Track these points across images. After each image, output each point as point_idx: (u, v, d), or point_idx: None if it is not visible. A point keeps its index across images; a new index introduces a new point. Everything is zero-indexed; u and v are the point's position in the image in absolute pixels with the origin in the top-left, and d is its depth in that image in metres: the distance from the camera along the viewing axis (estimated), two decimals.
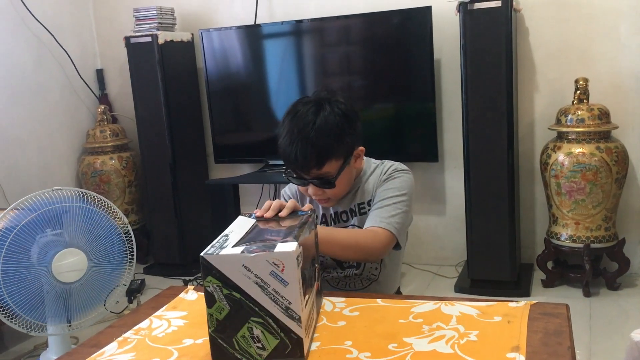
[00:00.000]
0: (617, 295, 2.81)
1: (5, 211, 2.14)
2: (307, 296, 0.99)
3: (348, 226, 1.51)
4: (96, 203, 2.28)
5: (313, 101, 1.41)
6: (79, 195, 2.23)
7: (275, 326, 0.92)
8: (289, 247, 0.92)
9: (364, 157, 1.54)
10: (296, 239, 0.96)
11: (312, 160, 1.36)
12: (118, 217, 2.34)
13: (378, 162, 1.56)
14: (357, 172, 1.52)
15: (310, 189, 1.43)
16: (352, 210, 1.51)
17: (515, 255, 2.89)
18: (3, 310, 2.10)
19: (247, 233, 1.05)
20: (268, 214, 1.18)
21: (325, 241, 1.28)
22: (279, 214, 1.18)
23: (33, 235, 2.13)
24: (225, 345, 0.94)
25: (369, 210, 1.49)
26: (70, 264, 2.18)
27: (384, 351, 0.97)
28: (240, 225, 1.11)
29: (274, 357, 0.93)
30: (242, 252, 0.91)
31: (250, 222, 1.14)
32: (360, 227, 1.48)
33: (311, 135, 1.35)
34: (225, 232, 1.06)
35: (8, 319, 2.11)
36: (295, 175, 1.43)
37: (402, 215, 1.43)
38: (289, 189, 1.59)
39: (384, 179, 1.49)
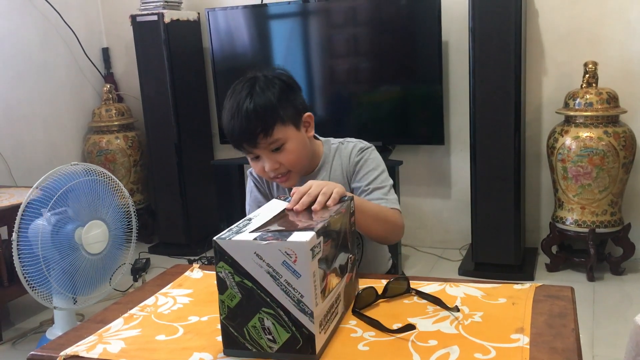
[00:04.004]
0: (621, 280, 2.81)
1: (33, 187, 2.17)
2: (329, 289, 0.95)
3: None
4: (104, 182, 2.29)
5: (246, 79, 1.36)
6: (86, 172, 2.25)
7: (286, 319, 0.88)
8: (304, 236, 0.87)
9: (322, 138, 1.50)
10: (321, 228, 0.90)
11: (258, 126, 1.29)
12: (124, 197, 2.36)
13: (337, 142, 1.50)
14: (314, 149, 1.45)
15: (267, 165, 1.35)
16: None
17: (520, 239, 2.89)
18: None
19: (274, 218, 1.00)
20: (298, 207, 1.07)
21: (360, 209, 1.22)
22: (327, 204, 1.08)
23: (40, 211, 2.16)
24: (236, 334, 0.91)
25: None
26: (96, 235, 2.25)
27: None
28: (270, 209, 1.05)
29: (285, 351, 0.89)
30: (255, 238, 0.87)
31: (283, 205, 1.08)
32: None
33: (251, 104, 1.29)
34: (251, 215, 1.01)
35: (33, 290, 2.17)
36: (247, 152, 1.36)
37: (392, 190, 1.42)
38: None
39: (356, 161, 1.44)
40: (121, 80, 3.92)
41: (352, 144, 1.48)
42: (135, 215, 2.44)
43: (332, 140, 1.51)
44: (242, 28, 3.40)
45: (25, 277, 2.15)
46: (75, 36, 3.62)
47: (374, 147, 1.48)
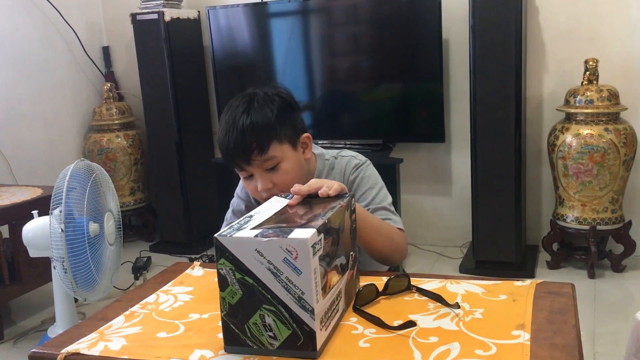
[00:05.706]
0: (622, 278, 2.81)
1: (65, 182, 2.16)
2: (330, 286, 0.95)
3: None
4: (99, 181, 2.29)
5: (244, 94, 1.32)
6: (88, 170, 2.25)
7: (287, 316, 0.88)
8: (305, 233, 0.87)
9: (317, 151, 1.44)
10: (321, 225, 0.91)
11: (253, 142, 1.24)
12: (114, 198, 2.37)
13: (331, 157, 1.43)
14: (309, 168, 1.39)
15: (260, 184, 1.29)
16: None
17: (521, 236, 2.89)
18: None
19: (275, 215, 1.00)
20: (295, 189, 1.09)
21: (362, 220, 1.19)
22: (329, 193, 1.10)
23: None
24: (237, 331, 0.91)
25: None
26: (111, 226, 2.30)
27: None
28: (270, 206, 1.05)
29: (286, 347, 0.89)
30: (256, 235, 0.87)
31: (284, 202, 1.09)
32: None
33: (247, 120, 1.24)
34: (252, 212, 1.02)
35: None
36: (241, 169, 1.30)
37: (393, 208, 1.38)
38: (242, 190, 1.47)
39: (352, 179, 1.40)
40: (121, 78, 3.92)
41: (346, 160, 1.42)
42: (119, 213, 2.44)
43: (326, 154, 1.45)
44: (242, 26, 3.40)
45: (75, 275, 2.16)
46: (75, 35, 3.62)
47: (369, 162, 1.43)
